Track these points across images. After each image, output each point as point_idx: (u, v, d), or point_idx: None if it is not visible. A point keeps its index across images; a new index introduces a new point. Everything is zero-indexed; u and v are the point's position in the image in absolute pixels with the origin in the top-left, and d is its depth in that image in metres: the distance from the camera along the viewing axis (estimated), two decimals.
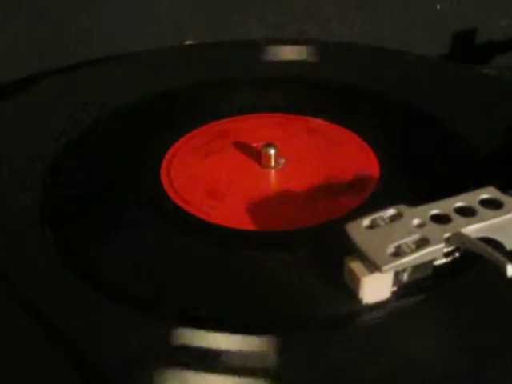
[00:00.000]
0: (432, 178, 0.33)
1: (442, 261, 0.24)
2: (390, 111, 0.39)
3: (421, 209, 0.25)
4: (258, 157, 0.34)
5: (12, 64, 0.52)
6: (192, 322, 0.24)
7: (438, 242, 0.24)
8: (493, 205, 0.25)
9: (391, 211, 0.25)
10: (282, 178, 0.33)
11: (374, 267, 0.23)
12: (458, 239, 0.24)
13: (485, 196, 0.26)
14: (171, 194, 0.32)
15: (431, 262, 0.24)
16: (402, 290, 0.24)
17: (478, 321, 0.24)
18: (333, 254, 0.25)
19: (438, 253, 0.24)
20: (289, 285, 0.26)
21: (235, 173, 0.34)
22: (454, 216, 0.25)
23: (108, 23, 0.53)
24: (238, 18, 0.54)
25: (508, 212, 0.25)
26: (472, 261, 0.25)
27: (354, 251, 0.24)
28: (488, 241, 0.24)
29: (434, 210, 0.25)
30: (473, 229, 0.24)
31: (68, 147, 0.36)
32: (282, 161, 0.34)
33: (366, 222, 0.25)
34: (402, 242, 0.24)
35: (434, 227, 0.24)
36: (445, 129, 0.37)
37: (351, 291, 0.24)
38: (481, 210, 0.25)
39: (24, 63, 0.53)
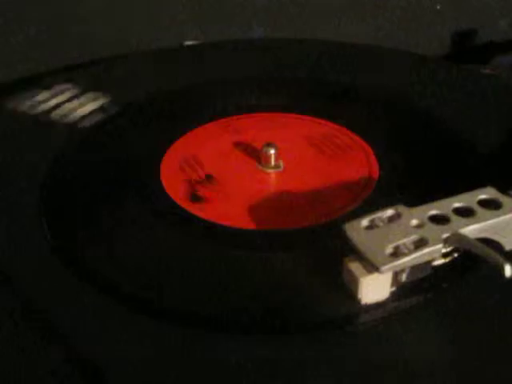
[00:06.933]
0: (431, 178, 0.33)
1: (440, 261, 0.24)
2: (390, 111, 0.39)
3: (419, 209, 0.25)
4: (258, 157, 0.34)
5: (12, 64, 0.52)
6: (191, 322, 0.24)
7: (437, 243, 0.24)
8: (492, 205, 0.25)
9: (390, 212, 0.25)
10: (281, 178, 0.33)
11: (372, 268, 0.23)
12: (456, 240, 0.24)
13: (484, 196, 0.26)
14: (171, 193, 0.32)
15: (430, 262, 0.24)
16: (401, 291, 0.24)
17: (478, 321, 0.24)
18: (331, 255, 0.25)
19: (436, 253, 0.24)
20: (287, 285, 0.26)
21: (235, 172, 0.34)
22: (453, 216, 0.25)
23: (108, 23, 0.53)
24: (238, 18, 0.54)
25: (507, 212, 0.25)
26: (471, 261, 0.25)
27: (352, 252, 0.24)
28: (487, 241, 0.24)
29: (433, 210, 0.25)
30: (471, 229, 0.24)
31: (68, 147, 0.36)
32: (282, 161, 0.34)
33: (364, 222, 0.25)
34: (400, 242, 0.24)
35: (433, 228, 0.24)
36: (444, 129, 0.37)
37: (350, 292, 0.24)
38: (480, 210, 0.25)
39: (24, 63, 0.53)
